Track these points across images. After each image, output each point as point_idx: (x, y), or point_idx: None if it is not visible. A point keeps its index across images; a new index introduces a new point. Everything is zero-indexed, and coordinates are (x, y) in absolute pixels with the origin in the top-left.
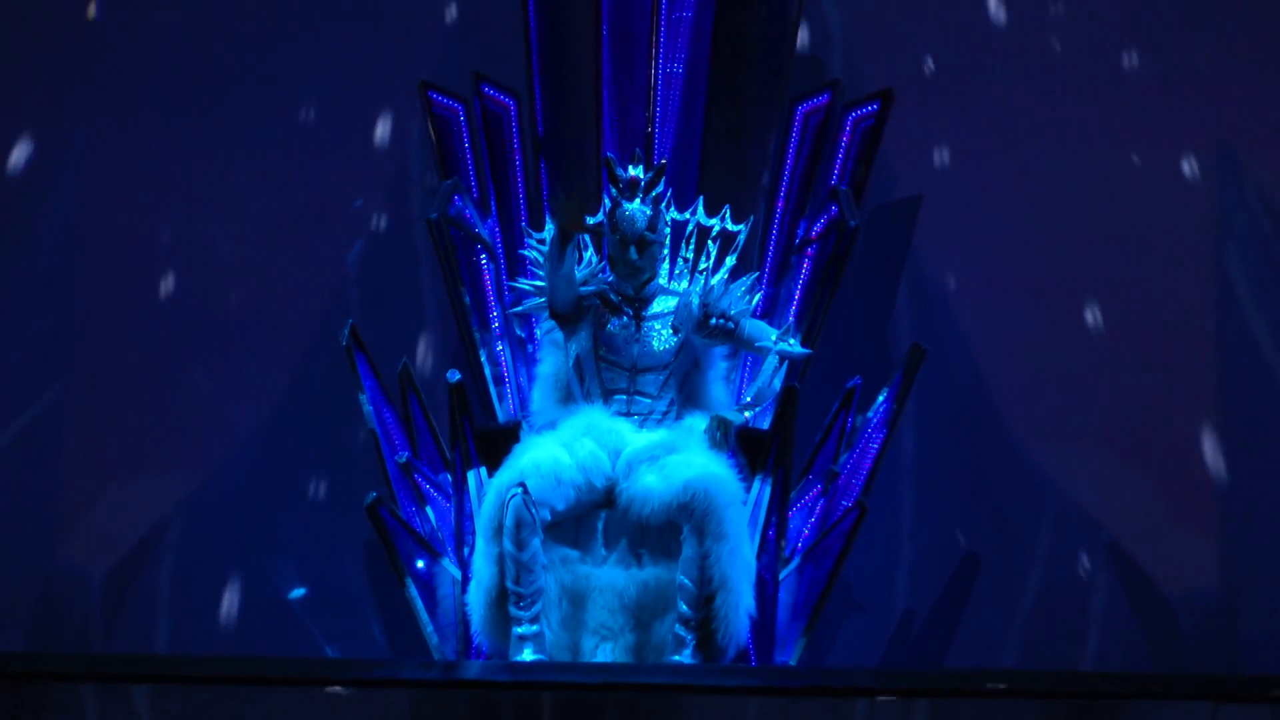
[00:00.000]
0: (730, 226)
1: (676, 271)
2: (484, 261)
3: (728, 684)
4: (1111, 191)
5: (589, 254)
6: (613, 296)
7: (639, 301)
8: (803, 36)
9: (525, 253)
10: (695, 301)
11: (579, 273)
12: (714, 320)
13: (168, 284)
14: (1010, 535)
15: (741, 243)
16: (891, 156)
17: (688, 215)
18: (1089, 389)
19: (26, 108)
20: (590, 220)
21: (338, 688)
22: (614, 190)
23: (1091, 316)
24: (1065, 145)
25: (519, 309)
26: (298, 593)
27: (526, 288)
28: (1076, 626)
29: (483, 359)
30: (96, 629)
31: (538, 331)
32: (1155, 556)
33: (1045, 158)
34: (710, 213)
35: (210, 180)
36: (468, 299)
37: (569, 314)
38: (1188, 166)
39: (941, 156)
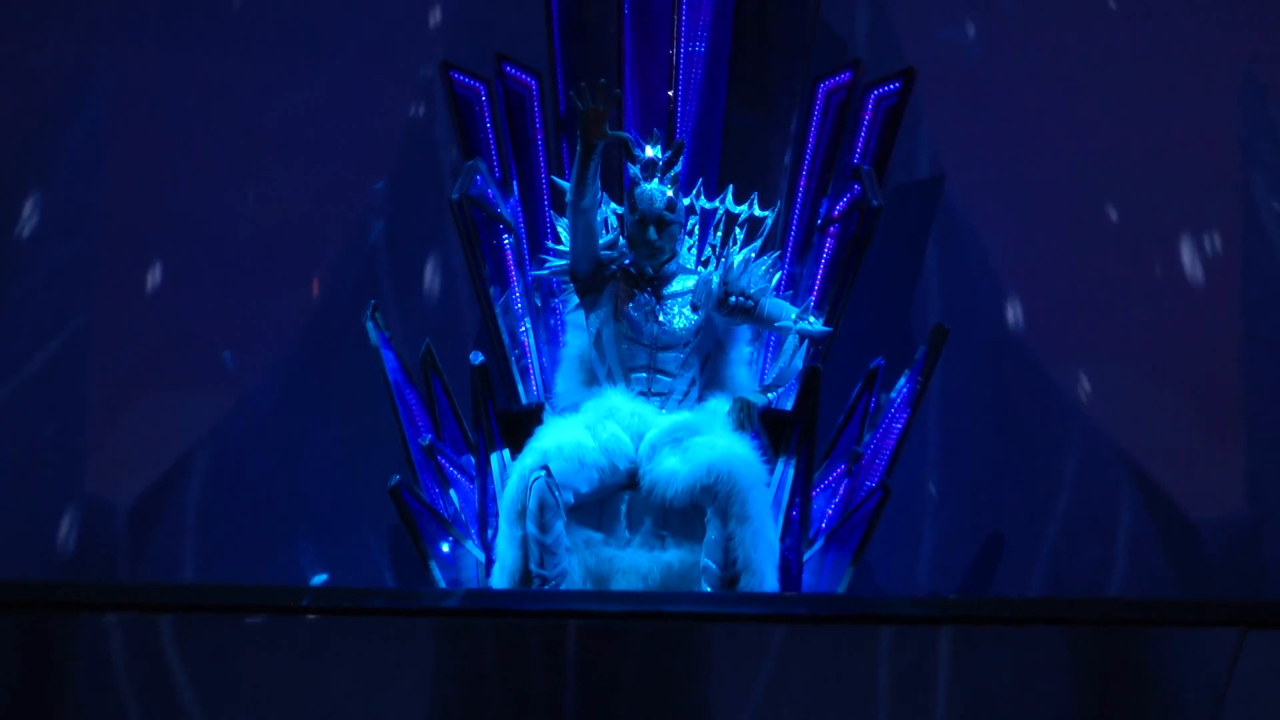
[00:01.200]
0: (758, 212)
1: (704, 258)
2: (506, 242)
3: (752, 611)
4: (1137, 127)
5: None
6: (633, 271)
7: (659, 280)
8: (825, 15)
9: (559, 222)
10: (715, 280)
11: (601, 238)
12: (733, 298)
13: (197, 216)
14: (1036, 471)
15: (768, 228)
16: (914, 135)
17: (717, 203)
18: (1116, 319)
19: (51, 31)
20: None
21: (364, 617)
22: (633, 170)
23: (1118, 261)
24: (1086, 98)
25: (541, 271)
26: (320, 579)
27: (553, 260)
28: (1102, 553)
29: (505, 340)
30: (123, 558)
31: (563, 312)
32: (1182, 481)
33: (1068, 125)
34: (737, 198)
35: (240, 116)
36: (490, 279)
37: (589, 279)
38: (1213, 94)
39: (964, 134)
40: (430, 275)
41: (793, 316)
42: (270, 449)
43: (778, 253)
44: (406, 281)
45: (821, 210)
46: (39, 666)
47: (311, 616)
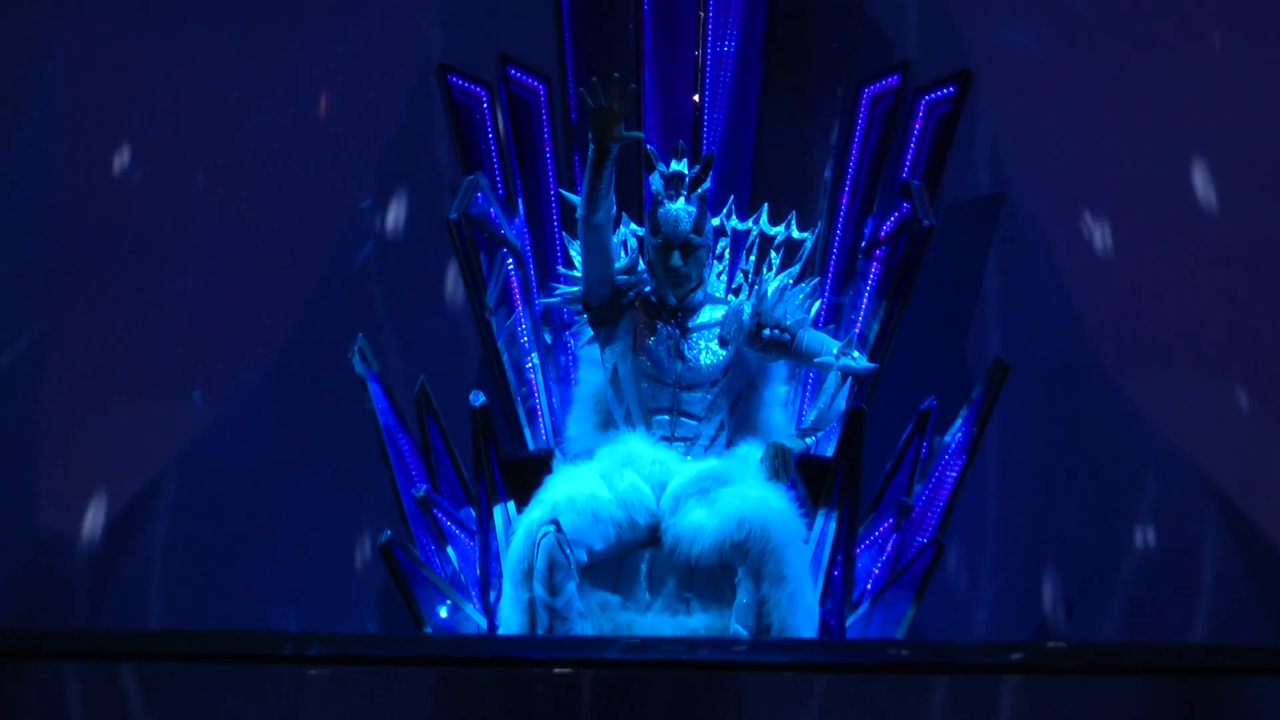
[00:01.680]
0: (796, 234)
1: (734, 285)
2: (511, 266)
3: (790, 659)
4: (1219, 129)
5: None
6: (654, 301)
7: (683, 311)
8: (870, 11)
9: (570, 245)
10: (747, 310)
11: (617, 261)
12: (767, 331)
13: (163, 218)
14: (1110, 503)
15: (807, 252)
16: (971, 145)
17: (750, 224)
18: (1198, 336)
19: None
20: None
21: (354, 666)
22: (655, 187)
23: (1200, 272)
24: (1160, 101)
25: (551, 298)
26: None
27: (563, 286)
28: (1186, 593)
29: (510, 378)
30: (81, 600)
31: (575, 346)
32: (1275, 510)
33: (1141, 131)
34: (773, 217)
35: (215, 113)
36: (493, 309)
37: (604, 307)
38: None
39: (1028, 144)
40: (426, 303)
41: (834, 351)
42: (247, 484)
43: (817, 279)
44: (399, 309)
45: (866, 231)
46: None
47: (295, 666)
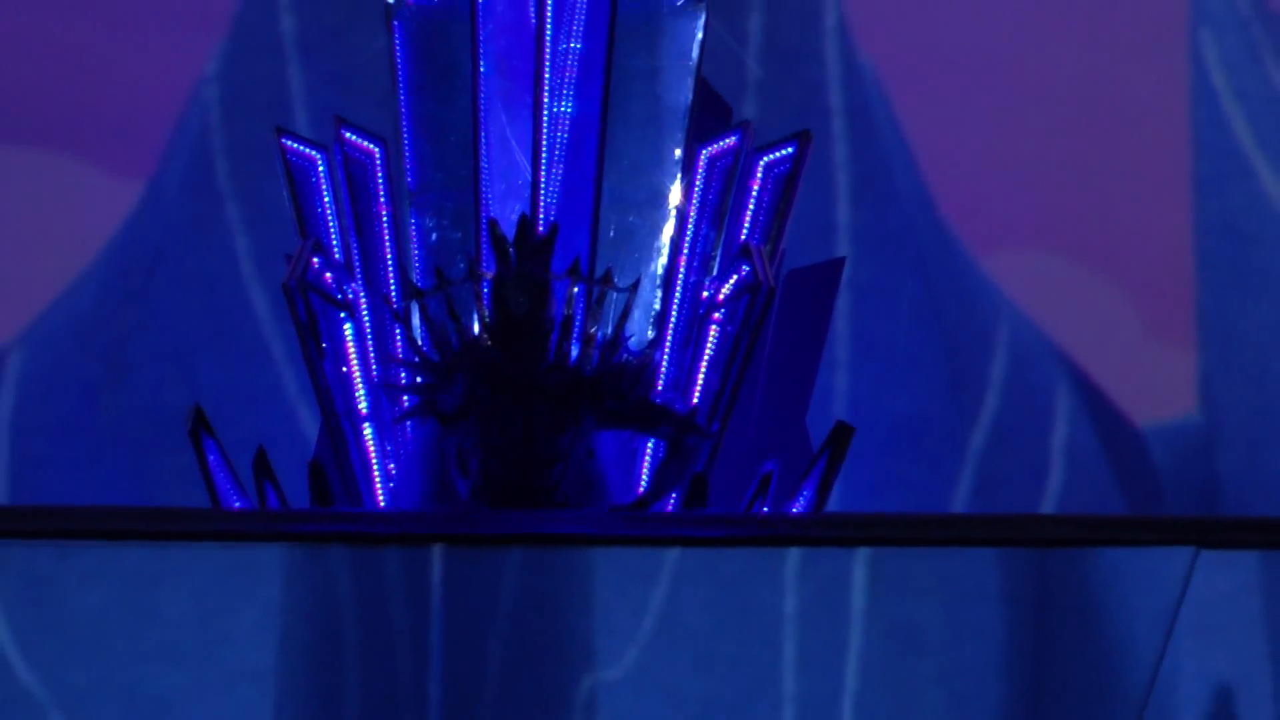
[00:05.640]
0: (617, 288)
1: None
2: (348, 334)
3: (642, 533)
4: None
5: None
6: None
7: (529, 387)
8: (711, 73)
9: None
10: (587, 377)
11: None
12: (611, 403)
13: None
14: (958, 375)
15: (626, 305)
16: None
17: (567, 276)
18: (1047, 196)
19: None
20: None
21: (202, 541)
22: (492, 260)
23: (1051, 140)
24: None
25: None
26: None
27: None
28: (1036, 464)
29: (351, 451)
30: None
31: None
32: (1126, 383)
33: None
34: (597, 272)
35: None
36: (330, 383)
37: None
38: None
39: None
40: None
41: (674, 420)
42: (95, 352)
43: (652, 342)
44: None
45: (707, 294)
46: None
47: (143, 540)
